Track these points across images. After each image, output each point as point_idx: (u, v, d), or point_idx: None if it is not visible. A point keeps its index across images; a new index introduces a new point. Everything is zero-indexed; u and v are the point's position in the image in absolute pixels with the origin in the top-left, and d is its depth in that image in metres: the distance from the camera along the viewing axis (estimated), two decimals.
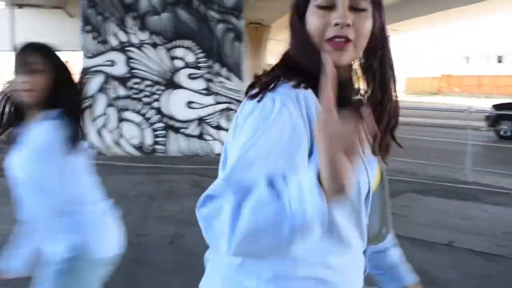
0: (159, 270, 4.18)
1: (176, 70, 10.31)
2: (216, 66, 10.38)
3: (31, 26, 33.32)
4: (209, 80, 10.39)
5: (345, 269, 1.18)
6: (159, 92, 10.32)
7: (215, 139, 10.41)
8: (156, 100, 10.35)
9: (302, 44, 1.17)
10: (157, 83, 10.30)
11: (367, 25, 1.14)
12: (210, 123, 10.41)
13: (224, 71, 10.39)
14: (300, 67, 1.15)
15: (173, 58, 10.30)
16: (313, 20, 1.15)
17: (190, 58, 10.34)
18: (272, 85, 1.12)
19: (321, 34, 1.13)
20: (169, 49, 10.31)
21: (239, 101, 10.28)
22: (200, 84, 10.37)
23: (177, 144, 10.46)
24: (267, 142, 1.02)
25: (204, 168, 8.70)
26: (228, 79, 10.40)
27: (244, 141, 1.04)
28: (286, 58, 1.22)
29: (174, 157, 10.17)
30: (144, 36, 10.26)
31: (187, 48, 10.33)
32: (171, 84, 10.32)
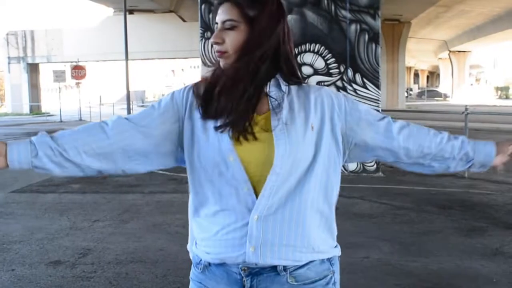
0: None
1: (304, 77, 10.71)
2: (349, 72, 10.69)
3: (143, 32, 35.64)
4: (341, 88, 10.71)
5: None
6: None
7: None
8: None
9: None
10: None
11: (237, 37, 1.77)
12: None
13: (358, 78, 10.68)
14: None
15: (300, 64, 10.73)
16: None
17: (320, 64, 10.75)
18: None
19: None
20: (296, 55, 10.74)
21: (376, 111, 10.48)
22: None
23: None
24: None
25: None
26: (364, 86, 10.66)
27: None
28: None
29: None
30: None
31: (316, 52, 10.74)
32: None
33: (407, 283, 4.91)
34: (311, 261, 1.76)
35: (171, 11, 36.84)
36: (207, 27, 11.01)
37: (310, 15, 10.71)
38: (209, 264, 1.82)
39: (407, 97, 57.99)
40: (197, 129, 1.76)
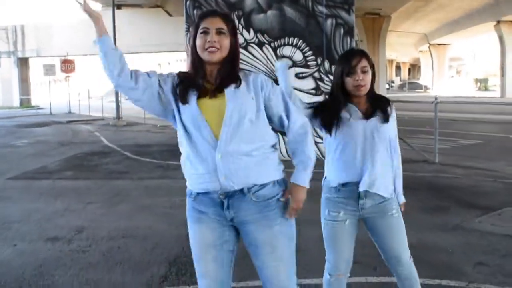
0: None
1: None
2: (326, 64, 11.12)
3: (130, 26, 35.80)
4: (318, 79, 11.15)
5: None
6: None
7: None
8: None
9: (194, 59, 2.67)
10: None
11: (226, 41, 2.61)
12: None
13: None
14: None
15: (280, 57, 11.15)
16: (199, 40, 2.61)
17: (298, 56, 11.18)
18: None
19: (202, 47, 2.59)
20: (275, 48, 11.20)
21: None
22: (309, 84, 11.15)
23: (283, 147, 11.15)
24: None
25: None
26: None
27: None
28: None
29: (282, 161, 10.88)
30: (249, 35, 11.24)
31: (295, 46, 11.16)
32: (278, 84, 11.08)
33: (371, 254, 5.33)
34: (265, 184, 2.63)
35: (157, 6, 36.95)
36: (192, 22, 11.36)
37: (289, 11, 11.13)
38: (198, 194, 2.64)
39: (388, 89, 58.43)
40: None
